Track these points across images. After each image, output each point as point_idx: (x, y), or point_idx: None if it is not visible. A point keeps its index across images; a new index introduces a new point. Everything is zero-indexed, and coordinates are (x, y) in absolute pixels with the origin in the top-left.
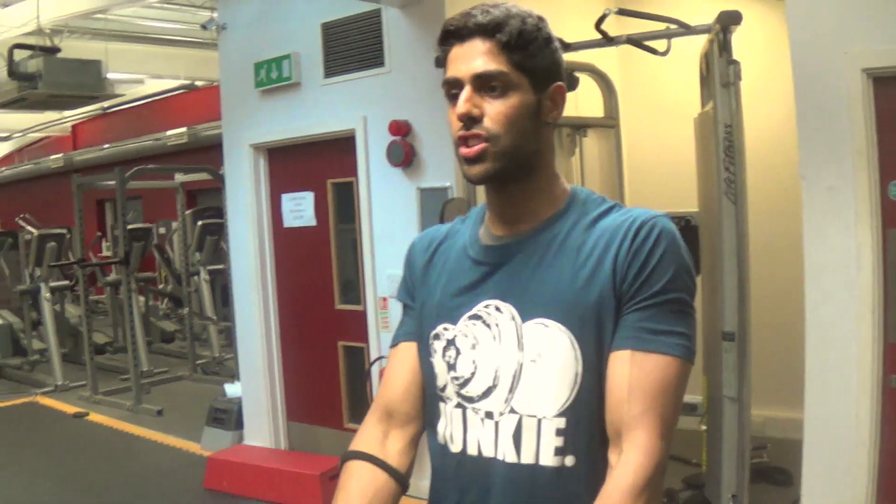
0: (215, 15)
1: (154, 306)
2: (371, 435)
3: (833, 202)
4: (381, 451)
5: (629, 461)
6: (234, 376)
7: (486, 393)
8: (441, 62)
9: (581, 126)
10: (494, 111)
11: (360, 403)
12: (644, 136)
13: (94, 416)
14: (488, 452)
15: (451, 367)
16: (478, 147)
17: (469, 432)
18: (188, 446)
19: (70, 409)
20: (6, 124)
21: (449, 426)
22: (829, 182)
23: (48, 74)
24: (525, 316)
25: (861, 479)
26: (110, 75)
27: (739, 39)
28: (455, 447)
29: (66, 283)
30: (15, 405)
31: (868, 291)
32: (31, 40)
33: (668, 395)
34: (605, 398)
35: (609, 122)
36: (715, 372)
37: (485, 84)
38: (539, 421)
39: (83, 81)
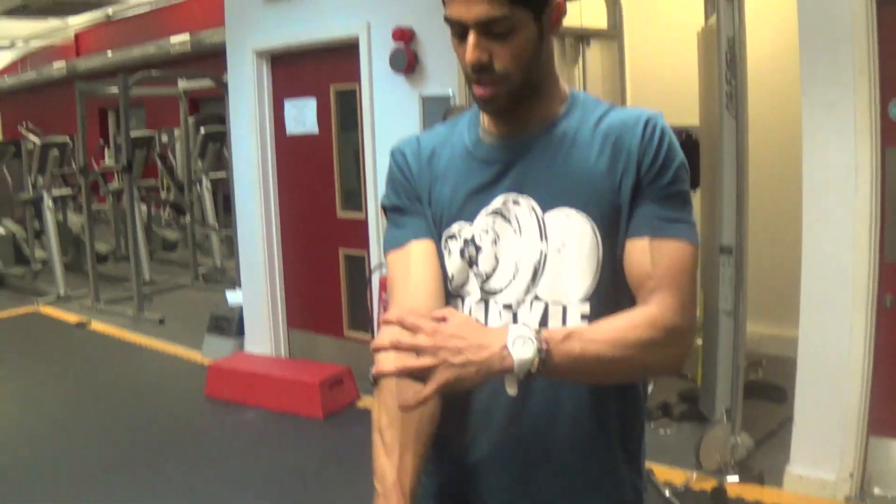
0: None
1: (156, 215)
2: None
3: (833, 119)
4: None
5: (644, 308)
6: (235, 284)
7: (507, 285)
8: None
9: (584, 36)
10: (503, 54)
11: (360, 311)
12: (647, 48)
13: (96, 325)
14: None
15: (473, 263)
16: (492, 90)
17: (489, 324)
18: (190, 354)
19: (72, 318)
20: (9, 32)
21: None
22: (829, 99)
23: None
24: (546, 206)
25: (854, 398)
26: None
27: None
28: None
29: (68, 191)
30: (17, 315)
31: (865, 210)
32: None
33: (686, 275)
34: (623, 283)
35: (612, 34)
36: (711, 286)
37: (489, 28)
38: (564, 308)
39: None
